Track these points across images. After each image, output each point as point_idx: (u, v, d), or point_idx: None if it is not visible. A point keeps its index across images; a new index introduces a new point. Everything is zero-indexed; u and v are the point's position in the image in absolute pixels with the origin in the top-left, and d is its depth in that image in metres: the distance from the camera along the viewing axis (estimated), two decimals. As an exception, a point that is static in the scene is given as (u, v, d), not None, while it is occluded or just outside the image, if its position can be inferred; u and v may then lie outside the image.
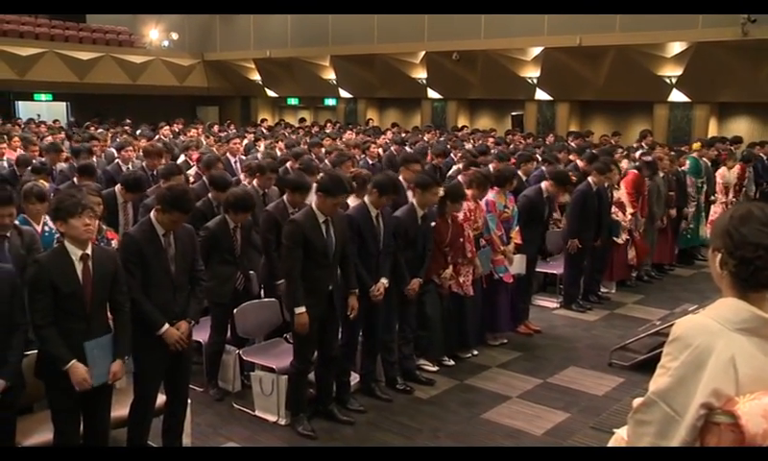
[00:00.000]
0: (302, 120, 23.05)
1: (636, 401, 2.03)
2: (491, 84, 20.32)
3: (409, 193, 6.72)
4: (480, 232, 6.83)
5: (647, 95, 17.82)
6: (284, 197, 6.31)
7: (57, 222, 4.02)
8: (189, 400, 4.82)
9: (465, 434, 5.35)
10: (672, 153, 10.67)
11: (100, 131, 15.40)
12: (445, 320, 6.51)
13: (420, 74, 21.67)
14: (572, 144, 12.86)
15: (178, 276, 4.48)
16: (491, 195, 7.06)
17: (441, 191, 6.20)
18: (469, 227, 6.64)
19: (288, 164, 9.17)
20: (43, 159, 8.92)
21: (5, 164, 9.79)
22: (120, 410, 4.44)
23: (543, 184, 7.72)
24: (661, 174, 9.58)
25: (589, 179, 8.31)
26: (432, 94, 22.17)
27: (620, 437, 2.21)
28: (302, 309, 5.03)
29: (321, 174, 6.33)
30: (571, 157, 10.83)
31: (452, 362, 6.62)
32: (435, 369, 6.45)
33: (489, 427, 5.48)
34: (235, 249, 5.86)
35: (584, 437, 5.22)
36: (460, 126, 19.35)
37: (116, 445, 4.57)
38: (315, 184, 5.51)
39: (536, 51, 18.72)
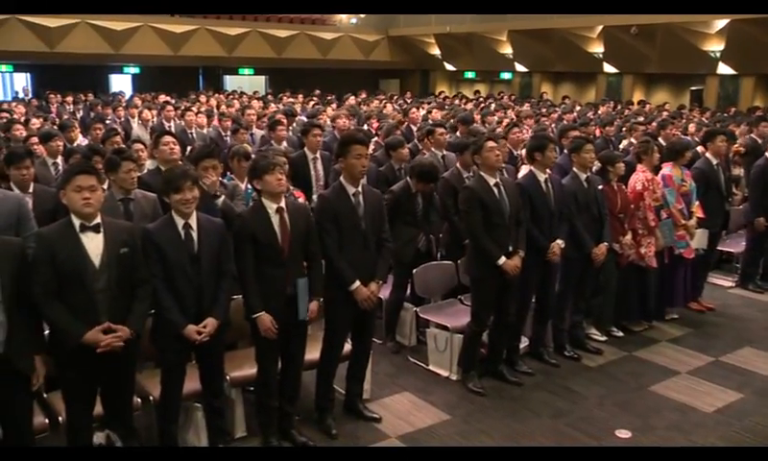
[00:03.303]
0: (477, 92, 22.95)
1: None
2: (669, 58, 19.09)
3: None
4: (660, 204, 6.47)
5: None
6: (457, 163, 6.36)
7: (254, 180, 4.25)
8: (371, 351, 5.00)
9: (631, 404, 5.16)
10: None
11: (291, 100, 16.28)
12: (620, 289, 6.29)
13: (597, 48, 20.77)
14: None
15: (367, 233, 4.57)
16: (666, 169, 6.66)
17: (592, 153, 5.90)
18: (649, 196, 6.31)
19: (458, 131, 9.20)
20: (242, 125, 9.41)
21: (211, 131, 10.54)
22: (312, 354, 4.69)
23: (708, 154, 7.25)
24: None
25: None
26: (608, 68, 21.20)
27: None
28: (503, 259, 5.05)
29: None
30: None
31: (621, 333, 6.38)
32: (603, 339, 6.26)
33: (655, 399, 5.26)
34: (417, 211, 5.96)
35: (760, 418, 4.88)
36: (636, 101, 18.35)
37: (305, 386, 4.85)
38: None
39: (720, 24, 17.34)
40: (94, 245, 3.64)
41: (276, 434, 4.44)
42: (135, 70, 24.59)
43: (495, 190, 5.09)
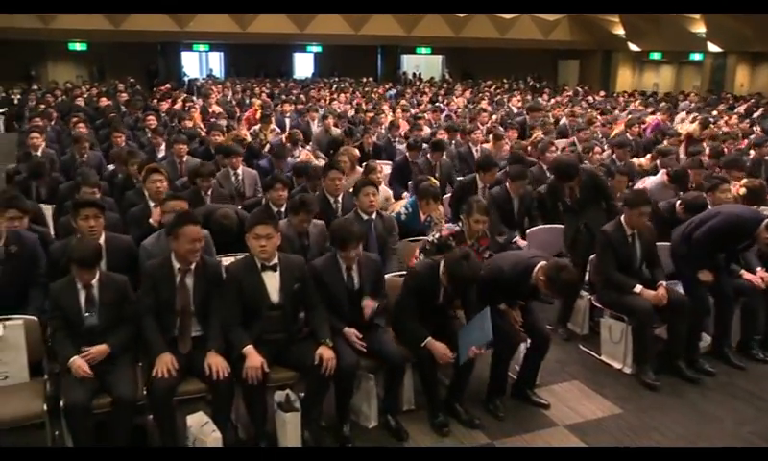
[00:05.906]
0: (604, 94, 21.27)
1: None
2: None
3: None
4: None
5: None
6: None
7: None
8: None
9: (830, 420, 4.72)
10: None
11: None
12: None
13: (811, 23, 18.86)
14: None
15: None
16: None
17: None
18: None
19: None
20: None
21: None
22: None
23: None
24: None
25: None
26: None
27: None
28: (639, 287, 5.11)
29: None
30: None
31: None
32: (800, 344, 5.76)
33: None
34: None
35: None
36: None
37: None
38: None
39: None
40: (272, 282, 4.23)
41: (443, 409, 4.52)
42: (318, 49, 25.70)
43: None
